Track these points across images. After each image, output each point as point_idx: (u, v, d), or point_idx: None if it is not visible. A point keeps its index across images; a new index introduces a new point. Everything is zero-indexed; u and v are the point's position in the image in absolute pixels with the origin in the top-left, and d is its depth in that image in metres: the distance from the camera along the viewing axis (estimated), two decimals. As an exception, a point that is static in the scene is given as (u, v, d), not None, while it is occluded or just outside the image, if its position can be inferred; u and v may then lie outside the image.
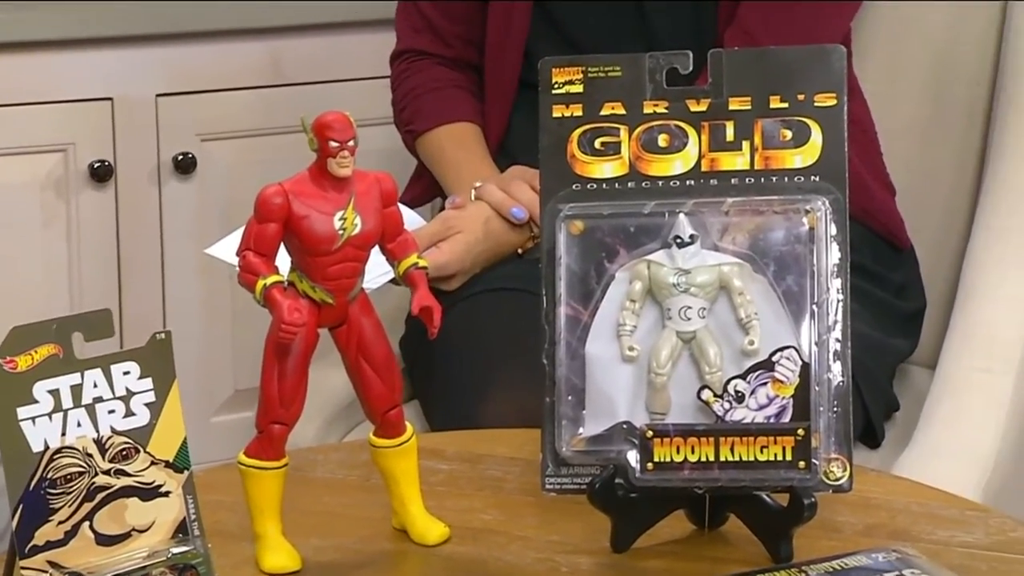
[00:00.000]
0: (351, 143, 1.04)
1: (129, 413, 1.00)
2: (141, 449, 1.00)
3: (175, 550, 1.00)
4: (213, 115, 2.23)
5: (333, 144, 1.04)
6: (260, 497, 1.09)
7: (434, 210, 1.89)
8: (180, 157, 2.20)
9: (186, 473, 1.01)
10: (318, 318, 1.08)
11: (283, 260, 1.08)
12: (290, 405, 1.08)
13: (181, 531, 1.01)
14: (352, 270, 1.07)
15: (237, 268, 1.06)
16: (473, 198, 1.68)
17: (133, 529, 1.00)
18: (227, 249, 1.44)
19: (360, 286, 1.09)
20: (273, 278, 1.05)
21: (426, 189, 1.83)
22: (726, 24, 1.69)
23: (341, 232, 1.05)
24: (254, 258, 1.05)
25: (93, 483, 0.99)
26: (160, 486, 1.01)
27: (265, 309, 1.06)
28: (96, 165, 2.18)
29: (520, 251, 1.68)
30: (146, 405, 1.01)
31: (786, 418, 1.09)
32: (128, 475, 1.00)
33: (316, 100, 2.16)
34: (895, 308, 1.74)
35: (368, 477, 1.19)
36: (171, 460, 1.01)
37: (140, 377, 1.00)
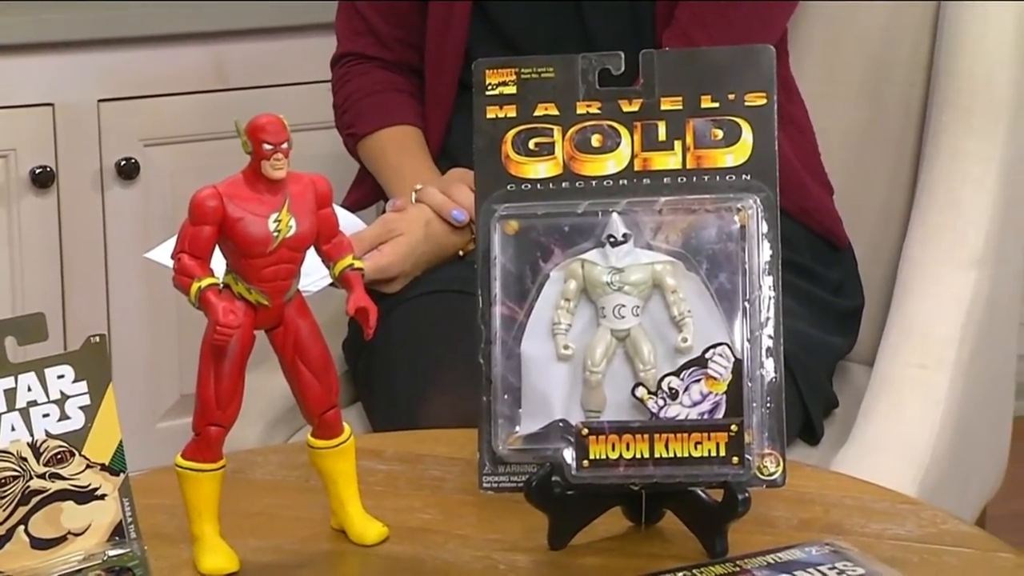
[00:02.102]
0: (285, 145, 1.05)
1: (64, 416, 1.00)
2: (76, 452, 1.00)
3: (111, 553, 1.00)
4: (155, 120, 2.23)
5: (267, 147, 1.05)
6: (197, 499, 1.09)
7: (377, 213, 1.90)
8: (123, 162, 2.20)
9: (122, 476, 1.01)
10: (254, 320, 1.08)
11: (219, 262, 1.08)
12: (227, 407, 1.08)
13: (117, 534, 1.01)
14: (287, 272, 1.08)
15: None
16: (414, 201, 1.69)
17: (69, 532, 1.00)
18: (166, 253, 1.44)
19: (296, 288, 1.10)
20: (208, 280, 1.05)
21: (368, 192, 1.83)
22: (664, 25, 1.70)
23: (276, 234, 1.06)
24: (189, 261, 1.05)
25: (28, 487, 0.99)
26: (96, 489, 1.01)
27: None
28: (38, 171, 2.17)
29: (461, 253, 1.68)
30: (81, 408, 1.01)
31: (719, 414, 1.10)
32: (63, 478, 1.00)
33: (259, 104, 2.15)
34: (833, 306, 1.76)
35: (307, 478, 1.20)
36: (107, 463, 1.01)
37: (75, 380, 1.01)
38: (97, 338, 1.01)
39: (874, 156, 1.85)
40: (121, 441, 1.01)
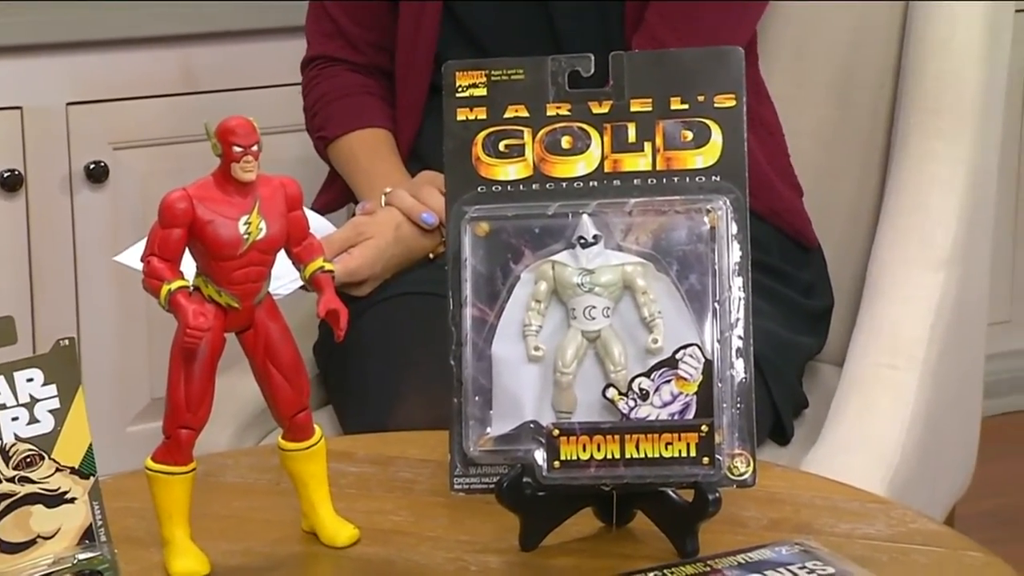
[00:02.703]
0: (255, 148, 1.05)
1: (33, 420, 1.00)
2: (46, 456, 1.00)
3: (81, 556, 1.00)
4: (125, 123, 2.23)
5: (237, 149, 1.05)
6: (168, 502, 1.09)
7: (348, 216, 1.90)
8: (92, 166, 2.19)
9: (92, 479, 1.01)
10: (224, 322, 1.08)
11: (189, 265, 1.08)
12: (197, 410, 1.08)
13: (87, 537, 1.01)
14: (257, 274, 1.08)
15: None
16: (383, 204, 1.69)
17: (38, 536, 1.00)
18: (136, 256, 1.43)
19: (266, 290, 1.10)
20: (178, 283, 1.05)
21: (338, 195, 1.83)
22: (634, 27, 1.71)
23: (246, 236, 1.06)
24: (158, 263, 1.05)
25: (-3, 490, 0.99)
26: (65, 493, 1.00)
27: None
28: (6, 174, 2.17)
29: (431, 255, 1.68)
30: (50, 412, 1.00)
31: (690, 415, 1.11)
32: (33, 482, 0.99)
33: (228, 107, 2.13)
34: (803, 307, 1.77)
35: (278, 481, 1.20)
36: (76, 467, 1.01)
37: (44, 384, 1.00)
38: (66, 341, 1.01)
39: (843, 157, 1.86)
40: (91, 445, 1.01)
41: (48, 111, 2.18)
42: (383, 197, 1.69)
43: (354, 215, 1.72)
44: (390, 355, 1.61)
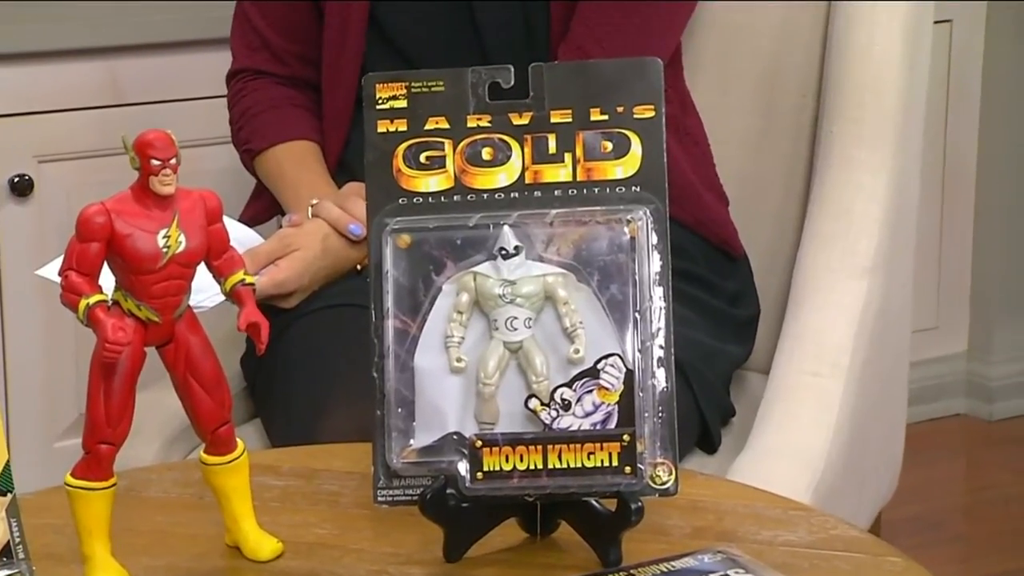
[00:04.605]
0: (173, 161, 1.04)
1: (-51, 437, 0.99)
2: (-38, 473, 0.99)
3: (-1, 574, 0.99)
4: (50, 136, 2.21)
5: (155, 162, 1.04)
6: (88, 518, 1.08)
7: (277, 228, 1.89)
8: (16, 179, 2.18)
9: (9, 496, 1.00)
10: (144, 337, 1.07)
11: (108, 279, 1.07)
12: (117, 425, 1.07)
13: (5, 555, 1.00)
14: (177, 288, 1.07)
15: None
16: (310, 216, 1.68)
17: (-45, 554, 0.99)
18: (56, 270, 1.43)
19: (186, 304, 1.09)
20: (96, 297, 1.04)
21: (265, 207, 1.83)
22: (559, 39, 1.71)
23: (165, 250, 1.05)
24: (76, 278, 1.04)
25: (-87, 508, 0.98)
26: (-17, 510, 1.00)
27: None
28: (-70, 188, 2.15)
29: (359, 267, 1.68)
30: (-33, 428, 0.99)
31: (612, 424, 1.11)
32: (-51, 499, 0.99)
33: (155, 120, 2.12)
34: (729, 316, 1.78)
35: (202, 495, 1.19)
36: (-6, 483, 1.00)
37: (-40, 400, 0.99)
38: (-17, 357, 1.00)
39: (768, 166, 1.87)
40: (8, 461, 1.00)
41: (-28, 124, 2.16)
42: (310, 209, 1.69)
43: (281, 227, 1.72)
44: (316, 367, 1.61)
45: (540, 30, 1.72)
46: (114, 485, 1.09)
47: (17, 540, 1.00)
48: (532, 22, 1.73)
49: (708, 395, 1.68)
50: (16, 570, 0.99)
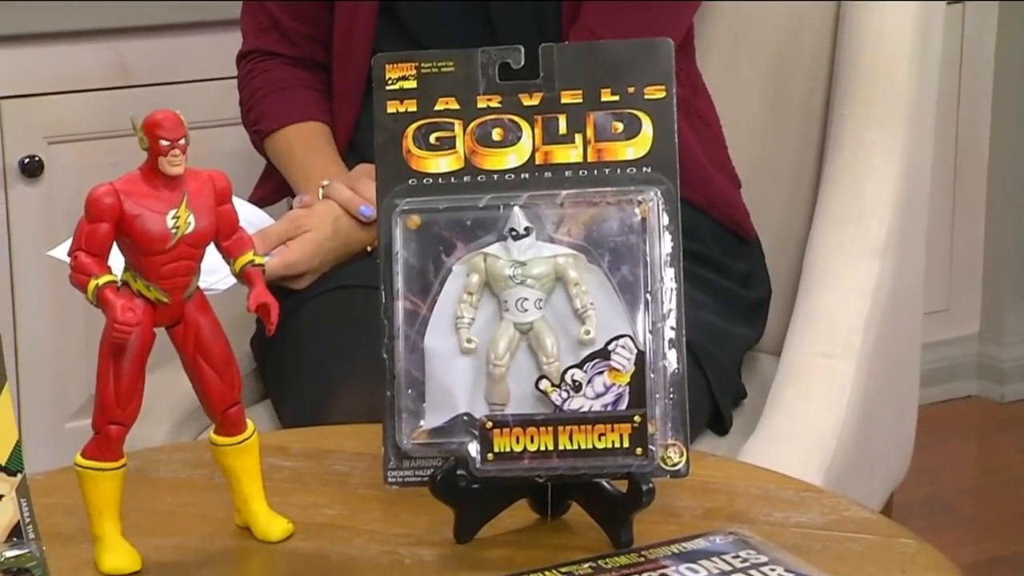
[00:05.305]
0: (182, 141, 1.04)
1: (-41, 417, 0.99)
2: (-28, 453, 0.99)
3: (8, 554, 0.99)
4: (60, 117, 2.21)
5: (164, 143, 1.04)
6: (98, 498, 1.08)
7: (287, 209, 1.89)
8: (26, 160, 2.17)
9: (19, 476, 1.00)
10: (153, 317, 1.07)
11: (118, 259, 1.07)
12: (127, 405, 1.07)
13: (15, 535, 1.00)
14: (186, 268, 1.07)
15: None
16: (321, 197, 1.68)
17: (-35, 534, 0.99)
18: (67, 251, 1.43)
19: (195, 285, 1.09)
20: (106, 278, 1.04)
21: (275, 189, 1.82)
22: (570, 23, 1.71)
23: (174, 231, 1.05)
24: (86, 258, 1.04)
25: (-78, 489, 0.98)
26: (-8, 490, 0.99)
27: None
28: (-60, 170, 2.15)
29: (369, 248, 1.68)
30: (-24, 408, 0.99)
31: (623, 406, 1.11)
32: (-41, 480, 0.98)
33: (164, 101, 2.12)
34: (741, 297, 1.77)
35: (212, 476, 1.19)
36: (4, 463, 1.00)
37: (-31, 380, 0.99)
38: (-8, 337, 1.00)
39: (779, 148, 1.87)
40: (18, 441, 1.00)
41: (-19, 106, 2.16)
42: (320, 190, 1.69)
43: (291, 208, 1.72)
44: (327, 348, 1.61)
45: (551, 16, 1.71)
46: (124, 465, 1.09)
47: (27, 520, 1.00)
48: (543, 7, 1.71)
49: (719, 377, 1.68)
50: (26, 550, 0.99)
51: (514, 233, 1.12)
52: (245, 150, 1.87)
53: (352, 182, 1.68)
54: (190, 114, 1.07)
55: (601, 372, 1.11)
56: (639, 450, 1.10)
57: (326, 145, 1.78)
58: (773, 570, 1.06)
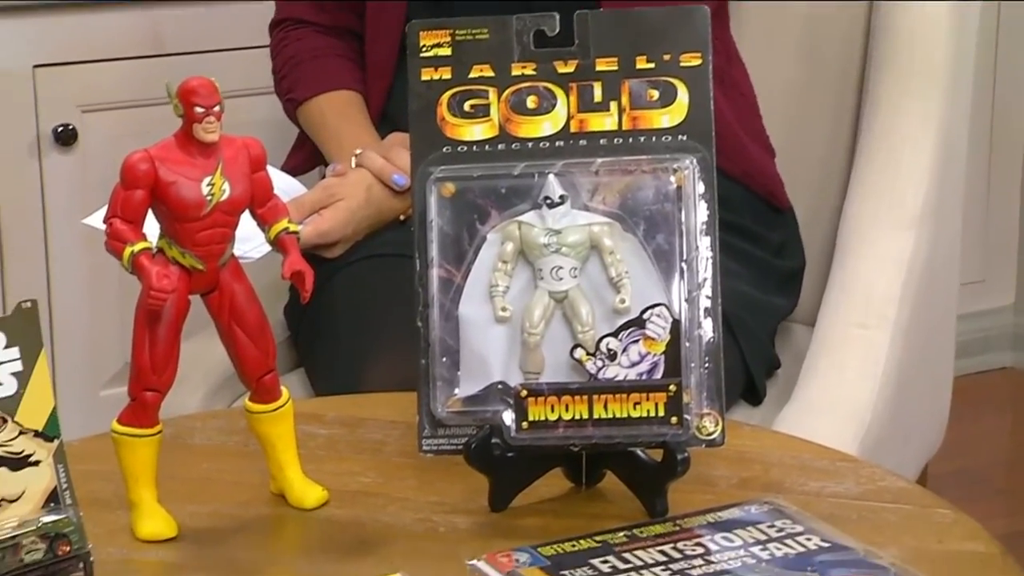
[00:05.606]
0: (216, 108, 1.04)
1: (-5, 383, 0.99)
2: (9, 419, 0.99)
3: (46, 519, 0.99)
4: (93, 86, 2.21)
5: (199, 109, 1.04)
6: (134, 465, 1.09)
7: (319, 178, 1.89)
8: (60, 129, 2.18)
9: (56, 442, 1.01)
10: (189, 284, 1.07)
11: (153, 226, 1.07)
12: (162, 372, 1.07)
13: (52, 500, 1.00)
14: (221, 236, 1.07)
15: (106, 235, 1.05)
16: (354, 165, 1.68)
17: (2, 499, 0.99)
18: (102, 218, 1.43)
19: (230, 252, 1.09)
20: (141, 245, 1.04)
21: (308, 157, 1.82)
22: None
23: (209, 198, 1.05)
24: (121, 225, 1.04)
25: (-40, 454, 0.98)
26: (30, 456, 1.00)
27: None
28: (-26, 139, 2.15)
29: (402, 217, 1.68)
30: (13, 374, 0.99)
31: (658, 375, 1.10)
32: (-4, 445, 0.99)
33: (196, 70, 2.11)
34: (775, 267, 1.77)
35: (246, 443, 1.19)
36: (40, 429, 1.00)
37: (6, 346, 0.99)
38: (29, 303, 1.00)
39: (814, 117, 1.85)
40: (55, 407, 1.00)
41: (15, 74, 2.16)
42: (353, 159, 1.68)
43: (324, 177, 1.72)
44: (360, 317, 1.61)
45: None
46: (160, 432, 1.09)
47: (64, 486, 1.01)
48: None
49: (753, 347, 1.67)
50: (64, 515, 1.00)
51: (549, 201, 1.12)
52: (277, 119, 1.87)
53: (385, 151, 1.68)
54: (223, 83, 1.07)
55: (636, 341, 1.11)
56: (674, 419, 1.09)
57: (359, 114, 1.77)
58: (809, 539, 1.05)
